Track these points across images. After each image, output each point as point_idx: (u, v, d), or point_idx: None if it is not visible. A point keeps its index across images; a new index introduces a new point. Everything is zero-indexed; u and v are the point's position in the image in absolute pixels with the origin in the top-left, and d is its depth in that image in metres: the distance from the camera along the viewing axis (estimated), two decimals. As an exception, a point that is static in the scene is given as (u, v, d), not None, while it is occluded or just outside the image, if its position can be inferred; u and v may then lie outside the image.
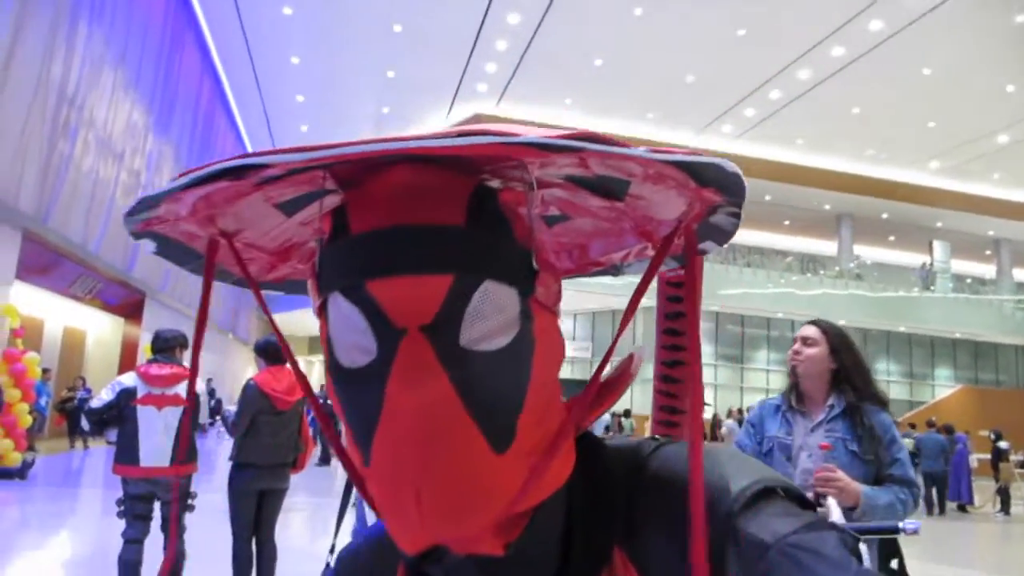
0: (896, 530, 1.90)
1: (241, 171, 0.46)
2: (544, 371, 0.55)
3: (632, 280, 0.61)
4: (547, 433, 0.55)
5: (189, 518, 4.57)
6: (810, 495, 2.34)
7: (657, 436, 0.63)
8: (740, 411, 20.52)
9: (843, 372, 2.58)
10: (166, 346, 4.54)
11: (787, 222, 27.49)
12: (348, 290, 0.51)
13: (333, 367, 0.54)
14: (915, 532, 1.83)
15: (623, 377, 0.64)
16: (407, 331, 0.50)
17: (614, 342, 0.63)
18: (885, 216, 26.09)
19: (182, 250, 0.60)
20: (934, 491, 13.26)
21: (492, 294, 0.51)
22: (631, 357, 0.66)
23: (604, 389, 0.62)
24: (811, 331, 2.68)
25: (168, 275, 18.67)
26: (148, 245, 0.58)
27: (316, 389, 20.24)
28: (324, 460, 14.34)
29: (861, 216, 25.86)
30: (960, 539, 10.93)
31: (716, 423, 19.67)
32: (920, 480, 14.51)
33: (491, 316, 0.51)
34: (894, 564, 5.36)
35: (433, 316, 0.50)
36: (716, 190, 0.53)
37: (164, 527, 4.41)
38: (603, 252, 0.68)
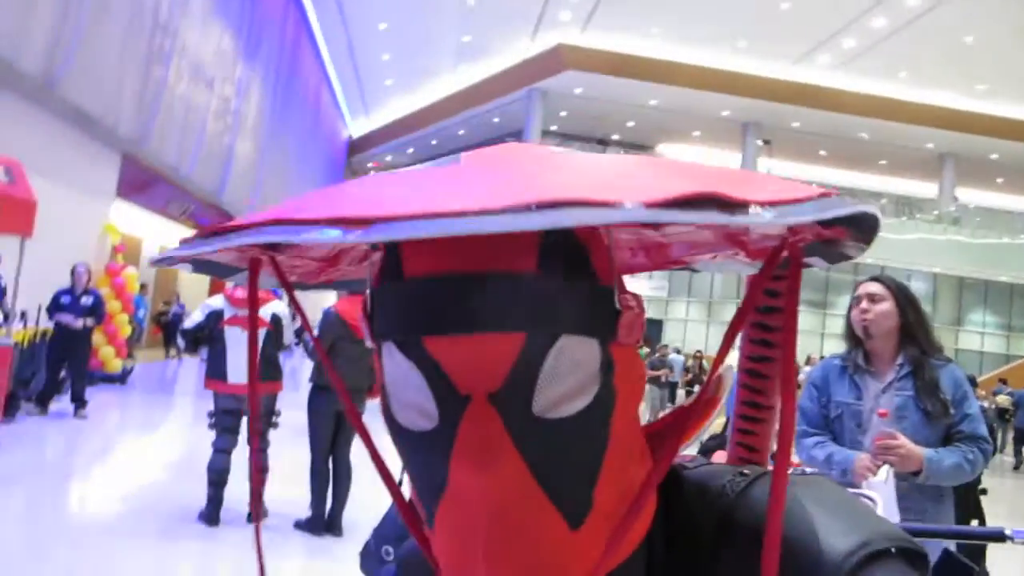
0: (1002, 537, 1.79)
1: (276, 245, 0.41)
2: (625, 423, 0.48)
3: None
4: (627, 490, 0.49)
5: (273, 434, 4.84)
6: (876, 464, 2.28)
7: (744, 470, 0.55)
8: (821, 358, 19.98)
9: (909, 327, 2.48)
10: None
11: (884, 162, 26.01)
12: (403, 345, 0.45)
13: (389, 421, 0.48)
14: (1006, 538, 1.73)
15: (711, 403, 0.57)
16: (472, 398, 0.44)
17: (713, 370, 0.55)
18: (994, 157, 24.33)
19: (222, 269, 0.54)
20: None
21: (569, 350, 0.44)
22: (719, 380, 0.58)
23: (686, 415, 0.54)
24: (876, 287, 2.54)
25: (256, 199, 19.32)
26: (185, 267, 0.51)
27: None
28: None
29: (967, 156, 24.19)
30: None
31: (795, 370, 19.26)
32: (1010, 436, 14.00)
33: (568, 376, 0.44)
34: (975, 523, 5.19)
35: (502, 381, 0.43)
36: (844, 229, 0.45)
37: (249, 440, 4.67)
38: (686, 253, 0.60)
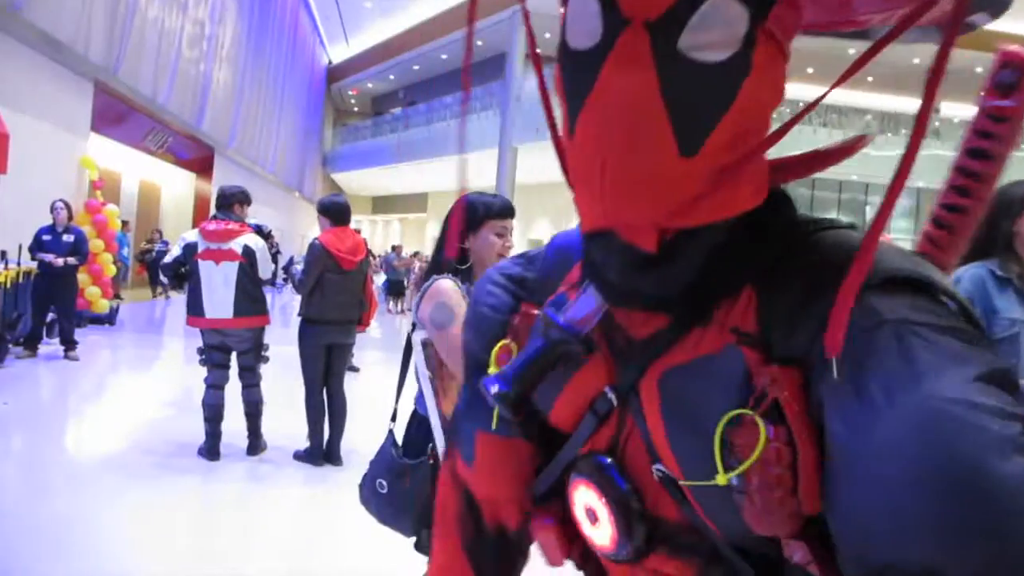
0: None
1: None
2: (751, 101, 0.56)
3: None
4: (737, 163, 0.57)
5: (266, 368, 4.87)
6: None
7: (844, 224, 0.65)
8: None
9: None
10: (225, 202, 4.67)
11: (871, 78, 25.68)
12: None
13: (562, 48, 0.60)
14: None
15: (843, 150, 0.66)
16: (632, 22, 0.53)
17: (811, 106, 0.67)
18: (979, 70, 23.99)
19: None
20: None
21: (723, 7, 0.53)
22: (861, 138, 0.68)
23: (817, 156, 0.66)
24: None
25: (235, 131, 18.90)
26: None
27: (380, 251, 20.42)
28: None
29: (951, 70, 23.58)
30: None
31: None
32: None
33: (715, 28, 0.53)
34: None
35: (660, 13, 0.53)
36: None
37: (240, 375, 4.71)
38: (866, 8, 0.65)
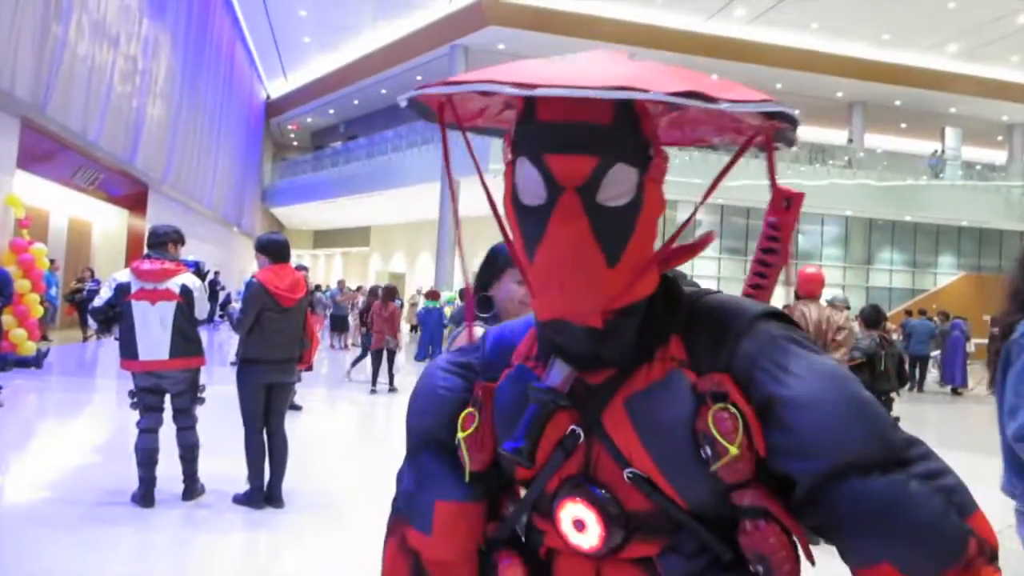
0: None
1: (486, 93, 0.78)
2: (646, 223, 0.84)
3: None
4: (642, 262, 0.85)
5: (202, 410, 4.74)
6: None
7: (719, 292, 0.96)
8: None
9: None
10: (158, 241, 4.56)
11: (798, 111, 26.68)
12: (533, 158, 0.81)
13: (515, 202, 0.85)
14: None
15: (699, 245, 0.94)
16: (566, 189, 0.80)
17: (687, 221, 1.00)
18: (898, 103, 25.36)
19: (421, 109, 0.91)
20: (917, 370, 14.38)
21: (621, 171, 0.80)
22: (709, 234, 0.98)
23: (683, 250, 0.93)
24: None
25: (170, 166, 18.49)
26: (403, 102, 0.87)
27: (319, 284, 20.04)
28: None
29: (873, 103, 25.14)
30: (956, 421, 11.28)
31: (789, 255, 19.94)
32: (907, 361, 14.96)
33: (619, 185, 0.81)
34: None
35: (584, 181, 0.80)
36: (782, 121, 0.83)
37: (175, 417, 4.57)
38: (706, 133, 0.98)
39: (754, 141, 0.91)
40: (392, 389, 10.32)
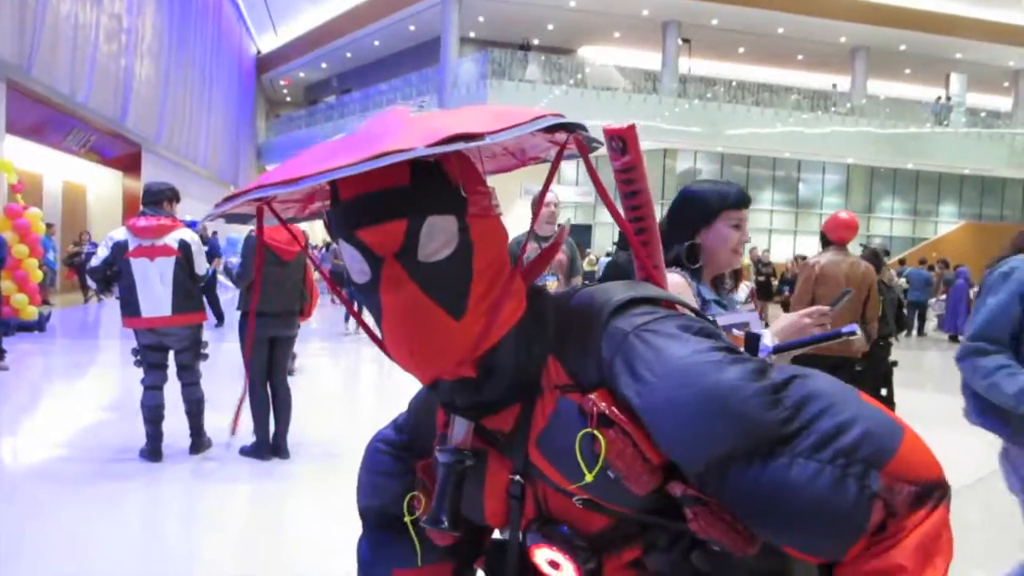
0: (838, 335, 1.66)
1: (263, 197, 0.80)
2: (485, 260, 0.81)
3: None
4: (496, 298, 0.82)
5: (206, 365, 4.76)
6: None
7: (586, 283, 0.89)
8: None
9: None
10: (154, 199, 4.53)
11: (800, 57, 26.30)
12: (346, 237, 0.79)
13: (349, 281, 0.86)
14: (852, 333, 1.70)
15: (552, 247, 0.93)
16: (385, 259, 0.78)
17: (532, 223, 1.12)
18: (902, 48, 24.90)
19: (246, 217, 0.90)
20: (916, 316, 14.78)
21: (435, 224, 0.78)
22: (563, 230, 1.02)
23: (538, 259, 0.94)
24: None
25: (163, 124, 18.27)
26: (220, 220, 0.87)
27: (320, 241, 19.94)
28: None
29: (877, 48, 24.67)
30: (955, 367, 11.31)
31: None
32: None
33: (437, 237, 0.78)
34: (883, 392, 5.46)
35: (399, 246, 0.77)
36: (565, 131, 0.83)
37: (179, 374, 4.59)
38: (533, 153, 0.98)
39: (565, 149, 0.90)
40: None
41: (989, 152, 24.14)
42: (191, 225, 4.63)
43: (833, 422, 0.72)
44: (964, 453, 3.59)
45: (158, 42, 17.71)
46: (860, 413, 0.73)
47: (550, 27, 24.15)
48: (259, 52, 31.58)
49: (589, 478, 0.80)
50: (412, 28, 24.53)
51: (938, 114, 24.70)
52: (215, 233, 14.00)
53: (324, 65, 30.50)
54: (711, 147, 22.16)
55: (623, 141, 0.95)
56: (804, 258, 18.20)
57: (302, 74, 32.38)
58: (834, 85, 25.15)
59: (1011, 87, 27.31)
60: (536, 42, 24.28)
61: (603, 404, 0.80)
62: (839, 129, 22.66)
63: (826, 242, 4.47)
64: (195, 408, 4.64)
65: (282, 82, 34.01)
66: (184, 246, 4.45)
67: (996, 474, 2.28)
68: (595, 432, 0.79)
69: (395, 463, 1.04)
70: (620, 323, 0.83)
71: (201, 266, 4.54)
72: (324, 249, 17.75)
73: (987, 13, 23.10)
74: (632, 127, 0.94)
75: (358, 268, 0.80)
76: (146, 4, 16.71)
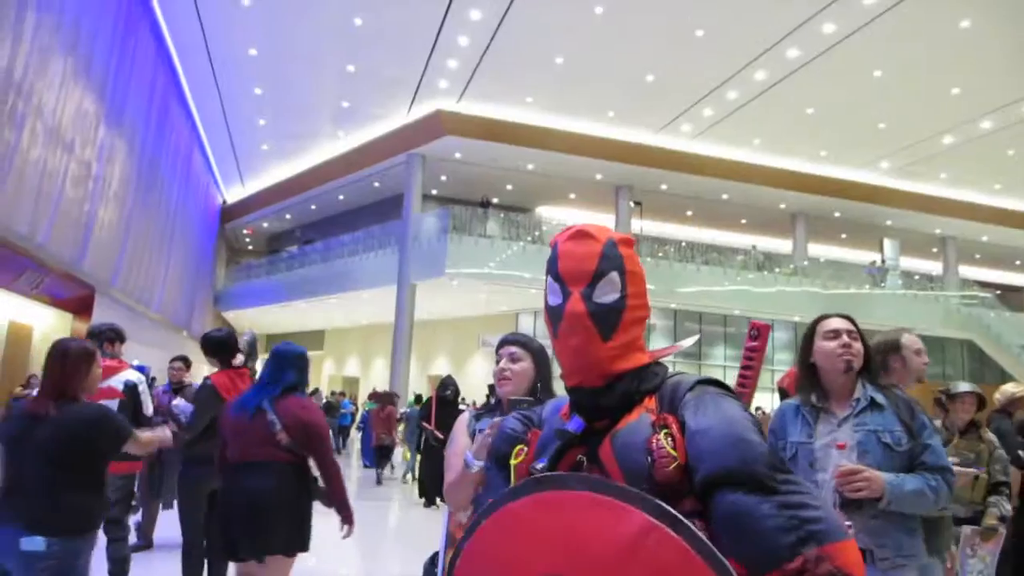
0: None
1: None
2: (631, 316, 1.34)
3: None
4: (630, 342, 1.34)
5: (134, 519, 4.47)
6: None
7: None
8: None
9: (865, 362, 2.54)
10: (96, 340, 4.45)
11: (744, 220, 27.92)
12: (552, 275, 1.37)
13: (545, 302, 1.40)
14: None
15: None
16: (572, 292, 1.33)
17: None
18: (837, 215, 26.67)
19: None
20: None
21: (609, 280, 1.33)
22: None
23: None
24: (847, 324, 2.58)
25: (120, 267, 18.20)
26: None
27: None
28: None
29: (815, 215, 26.40)
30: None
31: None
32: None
33: (608, 287, 1.32)
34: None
35: (584, 287, 1.33)
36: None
37: (106, 528, 4.29)
38: None
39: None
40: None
41: (925, 312, 25.33)
42: (140, 369, 4.51)
43: (801, 500, 1.08)
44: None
45: (124, 188, 18.02)
46: (828, 511, 1.09)
47: (509, 187, 25.38)
48: (225, 202, 32.27)
49: (673, 452, 1.21)
50: (377, 184, 25.50)
51: (874, 276, 26.08)
52: (154, 379, 13.61)
53: (288, 216, 31.23)
54: (665, 303, 22.84)
55: (757, 331, 1.40)
56: (760, 410, 18.38)
57: (266, 224, 33.04)
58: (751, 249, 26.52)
59: (940, 252, 29.17)
60: (496, 200, 25.36)
61: (670, 420, 1.23)
62: (784, 289, 23.68)
63: (784, 395, 4.57)
64: (120, 568, 4.31)
65: (245, 231, 34.57)
66: (130, 388, 4.32)
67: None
68: (668, 432, 1.21)
69: (521, 427, 1.50)
70: (704, 387, 1.29)
71: (148, 407, 4.39)
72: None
73: (911, 185, 25.06)
74: (768, 327, 1.48)
75: (554, 293, 1.36)
76: (117, 152, 17.15)
